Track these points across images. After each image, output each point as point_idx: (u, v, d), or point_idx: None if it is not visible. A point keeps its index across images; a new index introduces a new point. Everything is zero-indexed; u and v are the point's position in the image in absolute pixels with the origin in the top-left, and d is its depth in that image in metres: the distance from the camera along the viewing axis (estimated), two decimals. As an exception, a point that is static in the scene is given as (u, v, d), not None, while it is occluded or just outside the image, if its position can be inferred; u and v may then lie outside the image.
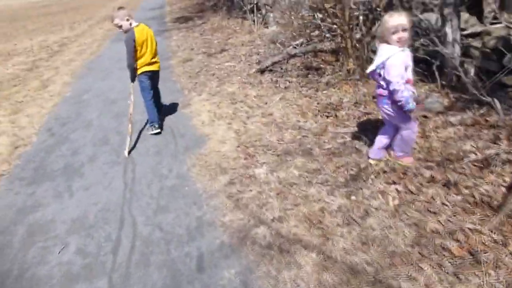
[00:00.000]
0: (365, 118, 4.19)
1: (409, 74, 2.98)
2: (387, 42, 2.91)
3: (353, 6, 5.04)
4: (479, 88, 3.35)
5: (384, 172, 3.27)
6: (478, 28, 4.72)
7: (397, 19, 2.82)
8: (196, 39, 10.52)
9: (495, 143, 3.20)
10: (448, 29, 4.40)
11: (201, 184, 3.67)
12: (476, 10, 5.41)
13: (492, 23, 5.01)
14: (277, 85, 5.77)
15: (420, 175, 3.13)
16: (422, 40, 4.95)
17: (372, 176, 3.24)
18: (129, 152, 4.54)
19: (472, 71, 4.28)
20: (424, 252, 2.47)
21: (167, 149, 4.51)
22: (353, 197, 3.09)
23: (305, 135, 4.20)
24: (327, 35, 5.90)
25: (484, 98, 3.36)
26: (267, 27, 9.70)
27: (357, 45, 5.28)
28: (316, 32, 6.55)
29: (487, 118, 3.57)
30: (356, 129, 4.05)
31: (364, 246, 2.62)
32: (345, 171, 3.44)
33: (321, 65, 5.78)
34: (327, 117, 4.43)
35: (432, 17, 5.14)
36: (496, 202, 2.68)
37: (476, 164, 3.06)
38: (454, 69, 4.44)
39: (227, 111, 5.25)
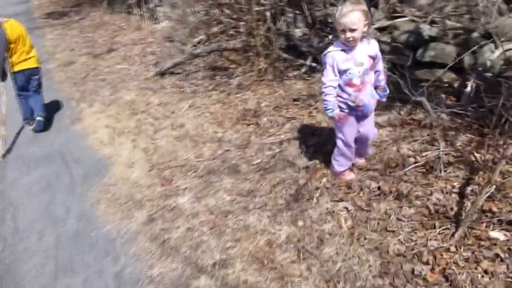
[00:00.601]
0: (289, 124, 3.82)
1: (354, 76, 2.57)
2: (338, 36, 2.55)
3: (263, 1, 4.64)
4: (407, 86, 3.19)
5: (327, 188, 2.93)
6: (385, 22, 4.68)
7: (344, 17, 2.40)
8: (76, 38, 9.19)
9: (432, 144, 3.06)
10: (360, 25, 4.23)
11: (112, 226, 2.94)
12: (372, 2, 5.43)
13: (392, 17, 5.04)
14: (183, 89, 5.12)
15: (366, 187, 2.85)
16: (331, 36, 4.77)
17: (316, 194, 2.88)
18: (4, 156, 4.19)
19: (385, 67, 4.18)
20: (396, 283, 2.17)
21: (60, 180, 3.61)
22: (300, 223, 2.69)
23: (227, 148, 3.69)
24: (231, 32, 5.42)
25: (413, 97, 3.21)
26: (157, 23, 8.86)
27: (265, 42, 4.90)
28: (216, 29, 6.02)
29: (415, 117, 3.46)
30: (283, 137, 3.66)
31: (330, 285, 2.23)
32: (283, 190, 3.02)
33: (229, 65, 5.29)
34: (248, 125, 3.97)
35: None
36: (452, 212, 2.50)
37: (418, 170, 2.88)
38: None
39: (129, 125, 4.47)
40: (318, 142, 3.43)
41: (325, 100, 2.66)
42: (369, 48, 2.58)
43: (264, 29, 4.92)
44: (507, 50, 3.50)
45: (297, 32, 5.16)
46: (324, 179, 3.00)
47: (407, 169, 2.86)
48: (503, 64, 3.39)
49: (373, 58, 2.60)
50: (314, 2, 5.23)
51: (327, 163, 3.12)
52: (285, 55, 4.97)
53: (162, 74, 5.66)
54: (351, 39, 2.44)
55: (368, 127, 2.84)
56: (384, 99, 2.81)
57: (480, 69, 3.46)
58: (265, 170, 3.27)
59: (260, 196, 3.00)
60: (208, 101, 4.65)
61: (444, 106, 3.34)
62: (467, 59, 3.84)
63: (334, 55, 2.57)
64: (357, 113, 2.73)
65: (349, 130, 2.81)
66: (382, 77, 2.73)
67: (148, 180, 3.41)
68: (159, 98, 4.99)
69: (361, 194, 2.81)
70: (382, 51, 4.44)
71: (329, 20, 4.95)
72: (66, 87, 6.01)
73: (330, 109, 2.64)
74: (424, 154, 3.01)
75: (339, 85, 2.65)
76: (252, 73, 4.88)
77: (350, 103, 2.67)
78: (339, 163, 2.95)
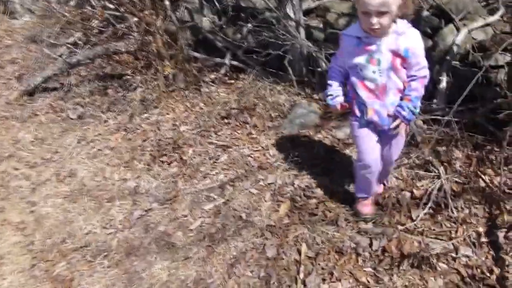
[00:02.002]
0: (226, 155, 2.79)
1: (366, 75, 1.78)
2: None
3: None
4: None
5: (310, 258, 2.01)
6: (312, 3, 3.79)
7: None
8: None
9: (425, 169, 2.30)
10: (289, 10, 3.29)
11: None
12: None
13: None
14: (64, 114, 3.71)
15: (364, 250, 1.99)
16: (250, 26, 3.74)
17: (300, 274, 1.95)
18: None
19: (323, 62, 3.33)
20: None
21: None
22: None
23: (147, 207, 2.54)
24: (120, 28, 4.07)
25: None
26: (16, 18, 6.87)
27: (167, 39, 3.70)
28: (98, 25, 4.59)
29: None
30: (223, 178, 2.62)
31: None
32: (248, 270, 2.03)
33: (124, 72, 3.98)
34: (169, 163, 2.84)
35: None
36: (493, 275, 1.77)
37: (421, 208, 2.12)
38: (303, 60, 3.44)
39: (-10, 182, 3.02)
40: (274, 180, 2.48)
41: (327, 84, 1.97)
42: (399, 40, 1.68)
43: (163, 23, 3.70)
44: (471, 30, 2.88)
45: (206, 22, 4.03)
46: (304, 246, 2.07)
47: (414, 216, 2.06)
48: (473, 50, 2.74)
49: (400, 56, 1.71)
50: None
51: (299, 213, 2.22)
52: (196, 54, 3.84)
53: (31, 93, 4.11)
54: (376, 27, 1.60)
55: (392, 149, 2.00)
56: (408, 117, 1.79)
57: (448, 58, 2.78)
58: (212, 238, 2.23)
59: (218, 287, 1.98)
60: (104, 130, 3.36)
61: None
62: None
63: (344, 40, 1.81)
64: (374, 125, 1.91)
65: (367, 145, 1.96)
66: (415, 86, 1.78)
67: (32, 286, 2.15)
68: (31, 131, 3.53)
69: (360, 262, 1.95)
70: (315, 40, 3.61)
71: (243, 5, 3.92)
72: None
73: (330, 95, 1.94)
74: (419, 184, 2.25)
75: (351, 82, 1.87)
76: (157, 81, 3.67)
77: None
78: (358, 188, 2.17)
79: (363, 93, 1.83)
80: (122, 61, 4.14)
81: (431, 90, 2.90)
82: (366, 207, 2.15)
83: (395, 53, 1.71)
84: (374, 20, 1.58)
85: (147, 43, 3.73)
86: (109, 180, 2.82)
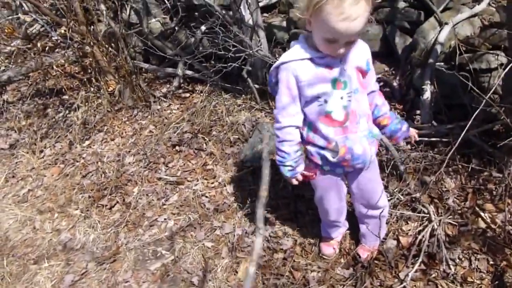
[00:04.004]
0: (176, 195, 2.30)
1: (332, 105, 1.31)
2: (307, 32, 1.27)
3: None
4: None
5: None
6: (273, -1, 3.28)
7: (346, 19, 1.09)
8: None
9: (411, 207, 1.86)
10: (244, 10, 2.76)
11: None
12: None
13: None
14: (-6, 144, 3.16)
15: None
16: (204, 28, 3.21)
17: None
18: None
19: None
20: None
21: None
22: None
23: (81, 269, 2.06)
24: (57, 37, 3.48)
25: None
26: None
27: (111, 49, 3.15)
28: (34, 31, 3.97)
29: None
30: (172, 226, 2.14)
31: None
32: None
33: (67, 88, 3.40)
34: (110, 208, 2.34)
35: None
36: None
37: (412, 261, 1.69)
38: (266, 67, 2.94)
39: None
40: (233, 229, 2.02)
41: (279, 151, 1.43)
42: (356, 53, 1.31)
43: (102, 29, 3.14)
44: (456, 24, 2.41)
45: (156, 24, 3.47)
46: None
47: (403, 275, 1.63)
48: (459, 51, 2.27)
49: (363, 71, 1.35)
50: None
51: (262, 273, 1.77)
52: (143, 65, 3.30)
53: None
54: (341, 53, 1.21)
55: (368, 188, 1.56)
56: (402, 137, 1.53)
57: (431, 61, 2.31)
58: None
59: None
60: (39, 163, 2.83)
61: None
62: (398, 41, 2.71)
63: (295, 68, 1.27)
64: (343, 168, 1.47)
65: (329, 198, 1.60)
66: (381, 100, 1.48)
67: None
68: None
69: None
70: (278, 42, 3.09)
71: (195, 2, 3.37)
72: None
73: (288, 166, 1.43)
74: (406, 228, 1.82)
75: (307, 122, 1.39)
76: (101, 99, 3.14)
77: (328, 154, 1.37)
78: (322, 227, 1.85)
79: (329, 130, 1.35)
80: (65, 73, 3.55)
81: (411, 98, 2.48)
82: (329, 248, 1.82)
83: (359, 69, 1.33)
84: (342, 50, 1.19)
85: (85, 53, 3.18)
86: (39, 232, 2.31)
